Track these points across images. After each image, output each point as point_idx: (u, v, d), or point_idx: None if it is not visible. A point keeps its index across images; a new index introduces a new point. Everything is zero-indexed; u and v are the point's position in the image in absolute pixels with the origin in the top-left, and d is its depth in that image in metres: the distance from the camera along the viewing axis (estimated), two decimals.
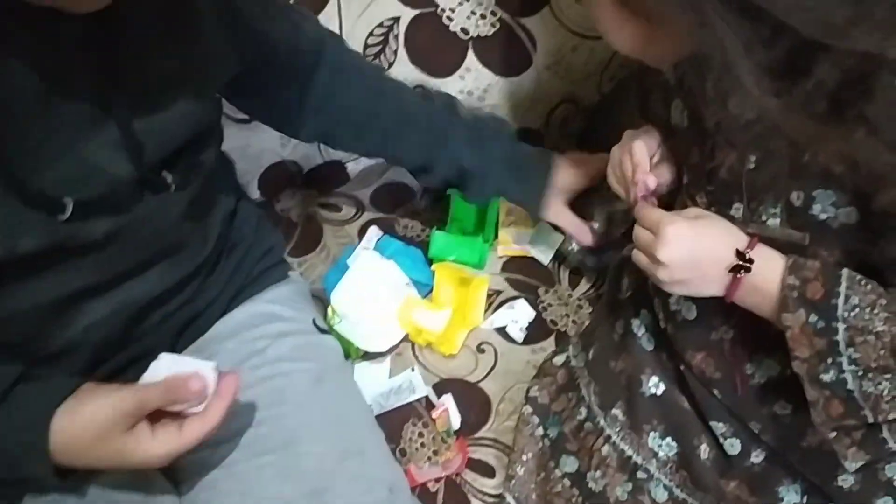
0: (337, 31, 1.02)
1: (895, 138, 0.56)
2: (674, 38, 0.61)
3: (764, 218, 0.69)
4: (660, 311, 0.84)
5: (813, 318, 0.63)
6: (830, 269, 0.64)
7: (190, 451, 0.77)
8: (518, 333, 1.01)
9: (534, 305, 1.04)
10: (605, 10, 0.63)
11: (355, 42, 1.02)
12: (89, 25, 0.58)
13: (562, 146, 1.09)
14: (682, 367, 0.82)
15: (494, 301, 1.04)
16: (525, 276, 1.08)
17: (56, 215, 0.61)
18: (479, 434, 0.93)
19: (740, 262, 0.66)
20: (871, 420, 0.65)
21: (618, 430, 0.84)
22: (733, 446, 0.79)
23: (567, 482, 0.85)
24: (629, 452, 0.83)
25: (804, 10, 0.52)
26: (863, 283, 0.63)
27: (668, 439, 0.82)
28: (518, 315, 1.02)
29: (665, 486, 0.81)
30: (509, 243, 1.09)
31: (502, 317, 1.02)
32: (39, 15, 0.54)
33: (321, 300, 1.03)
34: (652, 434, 0.82)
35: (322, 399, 0.83)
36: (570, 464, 0.86)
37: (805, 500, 0.76)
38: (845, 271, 0.64)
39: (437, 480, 0.89)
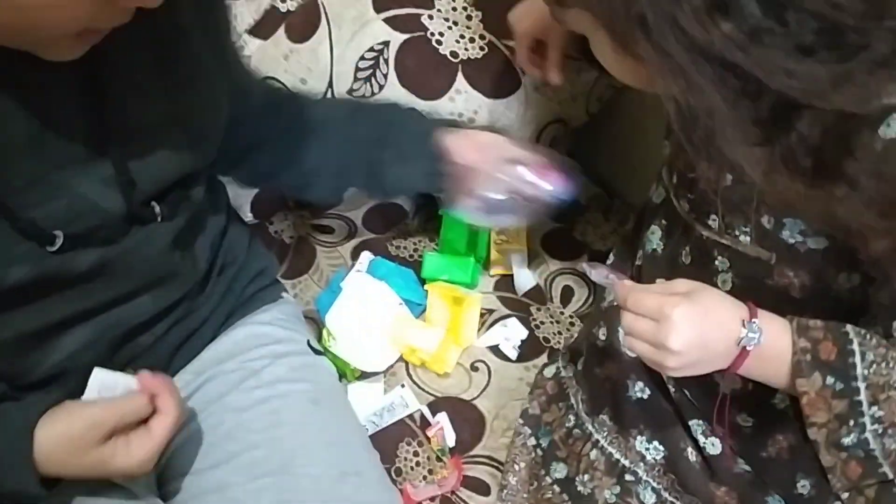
0: (328, 54, 1.04)
1: (874, 196, 0.56)
2: None
3: (737, 233, 0.71)
4: None
5: (830, 380, 0.61)
6: (833, 325, 0.62)
7: (183, 473, 0.78)
8: (511, 351, 1.02)
9: (526, 323, 1.04)
10: (608, 55, 0.65)
11: (346, 65, 1.04)
12: (74, 71, 0.59)
13: None
14: None
15: (487, 319, 1.05)
16: (517, 295, 1.09)
17: (45, 247, 0.62)
18: (474, 452, 0.94)
19: (749, 333, 0.63)
20: (890, 476, 0.64)
21: (605, 434, 0.85)
22: (714, 446, 0.79)
23: (557, 488, 0.86)
24: (617, 456, 0.83)
25: (788, 76, 0.52)
26: (868, 336, 0.62)
27: (655, 443, 0.82)
28: (511, 333, 1.03)
29: (653, 489, 0.81)
30: (501, 262, 1.10)
31: (495, 335, 1.03)
32: (24, 60, 0.55)
33: (315, 322, 1.04)
34: (639, 438, 0.83)
35: (318, 421, 0.83)
36: (559, 470, 0.87)
37: None
38: (849, 327, 0.62)
39: (433, 499, 0.89)
